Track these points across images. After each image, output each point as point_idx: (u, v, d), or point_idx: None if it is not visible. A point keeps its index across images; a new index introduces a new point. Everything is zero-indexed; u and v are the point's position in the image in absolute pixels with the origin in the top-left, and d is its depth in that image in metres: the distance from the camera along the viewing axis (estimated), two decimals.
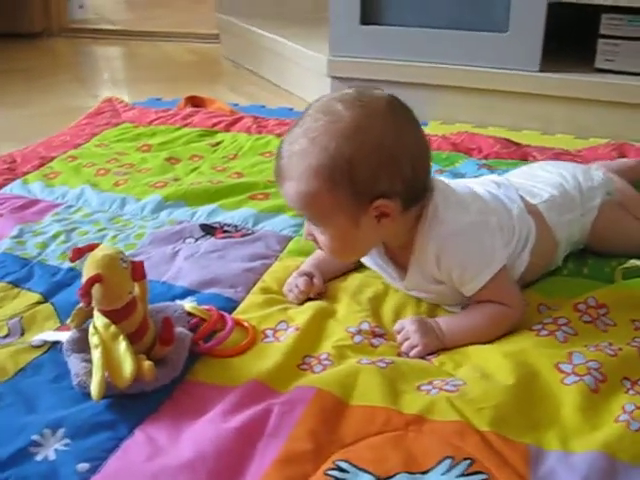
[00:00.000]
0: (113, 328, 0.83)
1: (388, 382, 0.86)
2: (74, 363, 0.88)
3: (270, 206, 1.35)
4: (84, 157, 1.63)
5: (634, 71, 1.92)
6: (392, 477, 0.71)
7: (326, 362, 0.91)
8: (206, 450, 0.73)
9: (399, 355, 0.95)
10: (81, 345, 0.91)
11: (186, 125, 1.84)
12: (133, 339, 0.85)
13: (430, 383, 0.87)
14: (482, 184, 1.13)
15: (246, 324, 0.99)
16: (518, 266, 1.04)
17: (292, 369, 0.90)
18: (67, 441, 0.79)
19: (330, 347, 0.94)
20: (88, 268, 0.82)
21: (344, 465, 0.73)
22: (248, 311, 1.03)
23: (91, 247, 0.84)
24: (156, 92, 2.28)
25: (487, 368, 0.89)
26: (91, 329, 0.85)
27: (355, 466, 0.73)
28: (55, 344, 0.95)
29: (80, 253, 0.84)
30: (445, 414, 0.80)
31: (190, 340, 0.92)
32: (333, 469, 0.72)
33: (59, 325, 1.01)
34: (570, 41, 2.03)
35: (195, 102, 2.06)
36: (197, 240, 1.23)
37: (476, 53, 1.96)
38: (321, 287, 1.07)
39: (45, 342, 0.96)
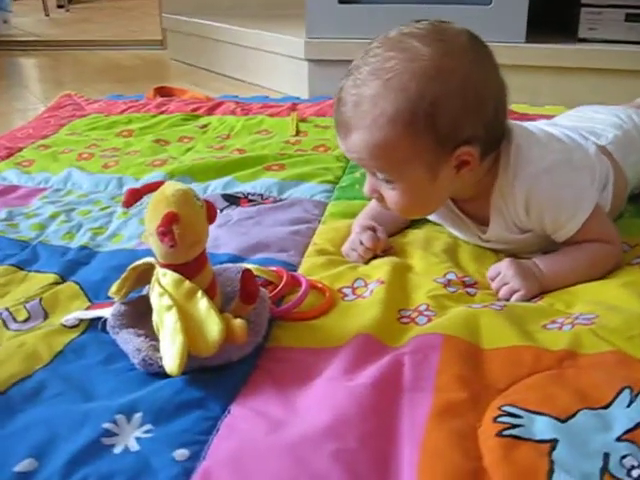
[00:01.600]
0: (187, 284, 0.68)
1: (512, 323, 0.73)
2: (128, 339, 0.72)
3: (291, 175, 1.21)
4: (58, 145, 1.45)
5: (616, 39, 1.90)
6: (573, 416, 0.59)
7: (428, 312, 0.78)
8: (346, 412, 0.59)
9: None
10: (131, 319, 0.75)
11: (162, 113, 1.67)
12: (209, 294, 0.69)
13: (554, 322, 0.75)
14: (547, 126, 1.03)
15: (320, 284, 0.84)
16: (603, 207, 0.93)
17: (393, 323, 0.77)
18: (149, 427, 0.62)
19: (426, 298, 0.81)
20: (158, 206, 0.66)
21: (513, 410, 0.59)
22: (312, 273, 0.88)
23: (152, 187, 0.68)
24: (111, 92, 2.10)
25: (609, 301, 0.78)
26: (157, 289, 0.69)
27: (525, 409, 0.59)
28: (93, 322, 0.78)
29: (138, 194, 0.68)
30: (597, 346, 0.69)
31: (268, 299, 0.76)
32: (502, 415, 0.59)
33: (89, 304, 0.84)
34: (554, 11, 1.98)
35: (164, 93, 1.90)
36: (222, 210, 1.08)
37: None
38: (387, 242, 0.94)
39: (81, 321, 0.78)
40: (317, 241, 0.98)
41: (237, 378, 0.69)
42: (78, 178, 1.24)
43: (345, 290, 0.84)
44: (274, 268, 0.85)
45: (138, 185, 0.79)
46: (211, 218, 0.69)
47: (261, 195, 1.13)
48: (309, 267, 0.90)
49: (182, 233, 0.65)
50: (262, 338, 0.73)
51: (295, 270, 0.90)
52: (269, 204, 1.09)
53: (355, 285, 0.85)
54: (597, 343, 0.69)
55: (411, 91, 0.76)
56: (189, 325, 0.66)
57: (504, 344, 0.69)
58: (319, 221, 1.05)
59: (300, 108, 1.68)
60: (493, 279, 0.86)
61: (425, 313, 0.78)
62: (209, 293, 0.70)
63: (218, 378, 0.68)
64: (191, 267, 0.69)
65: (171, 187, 0.67)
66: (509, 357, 0.67)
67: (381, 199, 0.85)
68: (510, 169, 0.85)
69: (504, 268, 0.85)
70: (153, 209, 0.66)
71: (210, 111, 1.68)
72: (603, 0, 1.88)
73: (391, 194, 0.83)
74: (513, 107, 1.77)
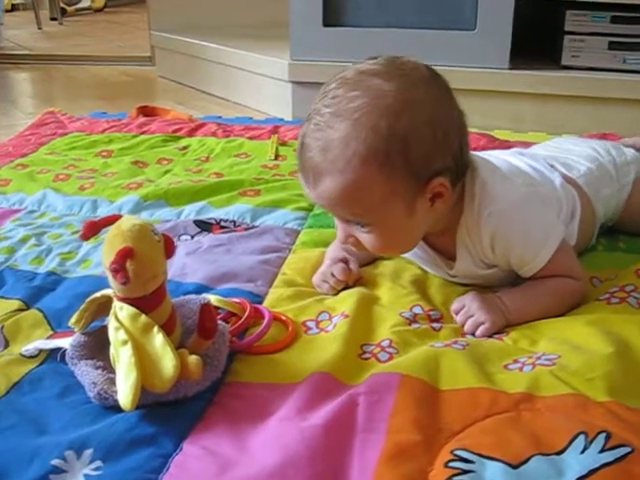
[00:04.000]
0: (144, 318, 0.67)
1: (473, 363, 0.73)
2: (86, 371, 0.71)
3: (266, 201, 1.21)
4: (36, 164, 1.44)
5: (599, 67, 1.91)
6: (526, 461, 0.58)
7: (391, 349, 0.77)
8: (295, 453, 0.58)
9: (461, 336, 0.82)
10: (90, 350, 0.74)
11: (143, 133, 1.67)
12: (166, 330, 0.69)
13: (517, 361, 0.75)
14: (512, 156, 1.03)
15: (284, 317, 0.84)
16: (568, 241, 0.94)
17: (354, 359, 0.76)
18: (99, 464, 0.61)
19: (389, 333, 0.80)
20: (113, 241, 0.65)
21: (465, 454, 0.59)
22: (277, 305, 0.88)
23: (109, 220, 0.68)
24: (96, 109, 2.10)
25: (573, 339, 0.78)
26: (113, 323, 0.68)
27: (478, 454, 0.59)
28: (53, 353, 0.77)
29: (96, 228, 0.67)
30: (555, 388, 0.68)
31: (228, 334, 0.76)
32: (454, 460, 0.58)
33: (51, 333, 0.83)
34: (538, 38, 2.00)
35: (147, 112, 1.90)
36: (194, 236, 1.08)
37: (444, 52, 1.88)
38: (359, 273, 0.93)
39: (40, 351, 0.78)
40: (286, 271, 0.97)
41: (192, 414, 0.68)
42: (53, 200, 1.24)
43: (309, 323, 0.84)
44: (238, 300, 0.85)
45: (110, 210, 0.78)
46: (169, 253, 0.69)
47: (234, 222, 1.13)
48: (275, 298, 0.90)
49: (137, 269, 0.65)
50: (220, 373, 0.72)
51: (261, 301, 0.89)
52: (241, 231, 1.09)
53: (319, 318, 0.84)
54: (556, 385, 0.69)
55: (382, 129, 0.75)
56: (144, 360, 0.66)
57: (462, 385, 0.69)
58: (290, 250, 1.04)
59: (282, 131, 1.69)
60: (457, 312, 0.85)
61: (387, 349, 0.77)
62: (167, 327, 0.70)
63: (173, 414, 0.68)
64: (148, 301, 0.68)
65: (128, 222, 0.66)
66: (466, 399, 0.67)
67: (357, 243, 0.83)
68: (475, 206, 0.85)
69: (468, 301, 0.85)
70: (108, 244, 0.66)
71: (191, 132, 1.67)
72: (586, 28, 1.90)
73: (368, 237, 0.81)
74: (495, 133, 1.79)
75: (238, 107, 2.22)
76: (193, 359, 0.66)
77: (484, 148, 1.56)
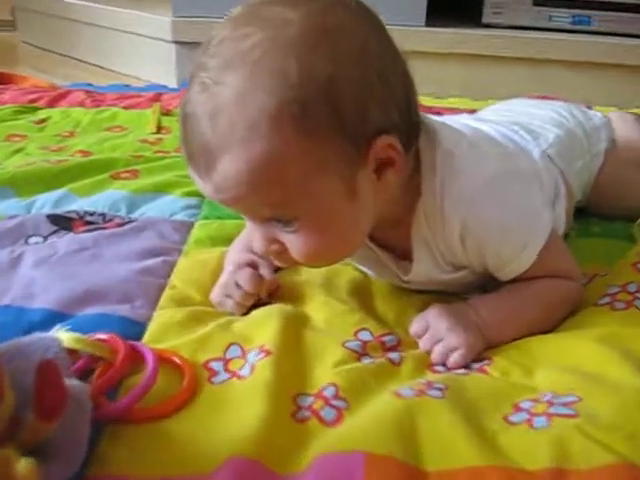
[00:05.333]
0: None
1: (463, 421, 0.49)
2: None
3: (146, 185, 0.93)
4: None
5: (523, 25, 1.73)
6: None
7: (338, 402, 0.53)
8: None
9: (430, 369, 0.59)
10: None
11: None
12: None
13: (519, 409, 0.52)
14: (470, 120, 0.81)
15: (176, 358, 0.57)
16: (556, 230, 0.71)
17: (286, 425, 0.51)
18: None
19: (333, 374, 0.55)
20: None
21: None
22: (166, 337, 0.61)
23: None
24: None
25: (583, 366, 0.56)
26: None
27: None
28: None
29: None
30: (591, 456, 0.46)
31: (89, 400, 0.48)
32: None
33: None
34: None
35: (2, 80, 1.55)
36: (47, 238, 0.78)
37: None
38: (274, 282, 0.68)
39: None
40: (176, 283, 0.70)
41: None
42: None
43: (214, 365, 0.57)
44: (105, 336, 0.57)
45: None
46: None
47: (103, 215, 0.84)
48: (162, 326, 0.63)
49: None
50: (77, 467, 0.45)
51: (142, 332, 0.62)
52: (112, 228, 0.80)
53: (228, 355, 0.58)
54: (591, 450, 0.46)
55: (292, 71, 0.51)
56: None
57: (457, 464, 0.45)
58: (180, 252, 0.77)
59: (165, 99, 1.40)
60: (420, 336, 0.62)
61: (333, 402, 0.53)
62: None
63: None
64: None
65: None
66: None
67: (283, 251, 0.58)
68: (437, 184, 0.61)
69: (433, 318, 0.62)
70: None
71: (53, 102, 1.36)
72: None
73: (296, 240, 0.56)
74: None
75: (113, 74, 1.90)
76: (23, 469, 0.38)
77: None
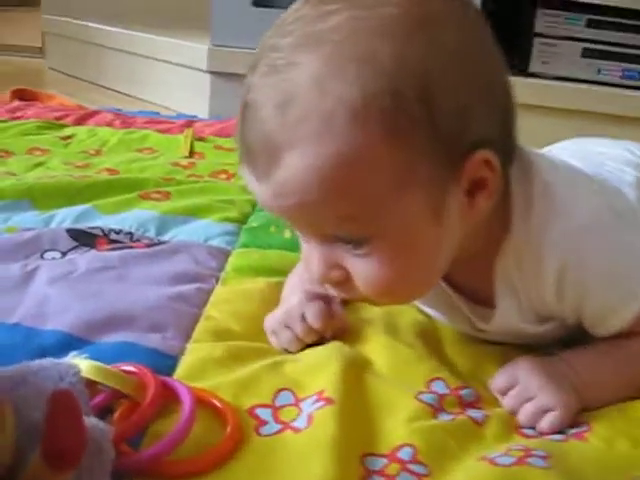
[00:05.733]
0: None
1: None
2: None
3: (178, 207, 0.84)
4: None
5: (570, 76, 1.66)
6: None
7: (417, 467, 0.42)
8: None
9: (518, 432, 0.48)
10: None
11: (16, 119, 1.26)
12: None
13: None
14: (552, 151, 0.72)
15: (216, 401, 0.47)
16: None
17: None
18: None
19: (408, 433, 0.45)
20: None
21: None
22: (202, 375, 0.51)
23: None
24: None
25: None
26: None
27: None
28: None
29: None
30: None
31: (111, 446, 0.38)
32: None
33: None
34: (503, 40, 1.72)
35: (25, 97, 1.49)
36: (66, 254, 0.69)
37: None
38: (344, 321, 0.58)
39: None
40: (213, 314, 0.60)
41: None
42: None
43: (260, 412, 0.47)
44: (132, 368, 0.47)
45: None
46: None
47: (130, 234, 0.75)
48: (198, 362, 0.53)
49: None
50: None
51: (174, 367, 0.52)
52: (141, 249, 0.71)
53: (278, 403, 0.48)
54: None
55: (384, 57, 0.42)
56: None
57: None
58: (217, 279, 0.67)
59: (198, 127, 1.32)
60: (504, 392, 0.51)
61: (411, 467, 0.42)
62: None
63: None
64: None
65: None
66: None
67: (345, 280, 0.48)
68: (534, 222, 0.51)
69: (523, 374, 0.52)
70: None
71: (80, 120, 1.28)
72: (558, 31, 1.64)
73: (366, 266, 0.46)
74: None
75: (141, 103, 1.83)
76: None
77: None
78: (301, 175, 0.43)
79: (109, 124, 1.27)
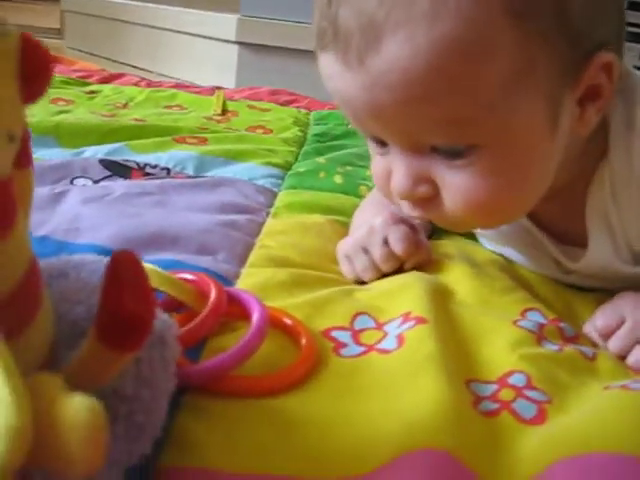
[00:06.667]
0: None
1: None
2: None
3: (218, 150, 0.77)
4: None
5: None
6: None
7: (534, 393, 0.35)
8: None
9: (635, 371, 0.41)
10: None
11: None
12: (5, 320, 0.23)
13: None
14: None
15: (288, 319, 0.39)
16: None
17: (472, 415, 0.33)
18: None
19: (515, 358, 0.38)
20: None
21: None
22: (266, 296, 0.43)
23: None
24: None
25: None
26: None
27: None
28: None
29: None
30: None
31: (176, 342, 0.31)
32: None
33: None
34: None
35: None
36: (99, 182, 0.62)
37: None
38: (430, 251, 0.51)
39: None
40: (268, 242, 0.53)
41: None
42: None
43: (338, 335, 0.39)
44: (191, 276, 0.40)
45: None
46: (33, 76, 0.24)
47: (167, 169, 0.68)
48: (260, 283, 0.45)
49: None
50: (151, 446, 0.28)
51: (229, 286, 0.45)
52: (181, 179, 0.64)
53: (357, 326, 0.40)
54: None
55: None
56: None
57: None
58: (267, 213, 0.60)
59: (227, 92, 1.25)
60: (608, 333, 0.44)
61: (527, 394, 0.35)
62: (11, 314, 0.25)
63: None
64: None
65: None
66: None
67: (433, 196, 0.41)
68: (636, 146, 0.44)
69: (629, 309, 0.44)
70: None
71: (105, 80, 1.21)
72: None
73: (466, 178, 0.39)
74: None
75: (164, 79, 1.77)
76: (78, 411, 0.21)
77: None
78: (406, 62, 0.36)
79: (136, 84, 1.20)
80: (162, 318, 0.30)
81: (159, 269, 0.37)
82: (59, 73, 1.20)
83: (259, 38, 1.53)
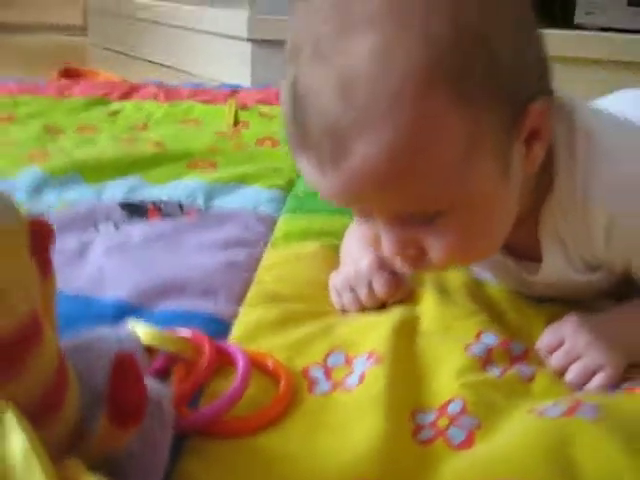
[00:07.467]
0: None
1: (626, 448, 0.39)
2: None
3: (224, 176, 0.85)
4: None
5: (616, 27, 1.61)
6: None
7: (467, 420, 0.43)
8: None
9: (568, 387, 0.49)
10: None
11: (64, 97, 1.29)
12: (38, 419, 0.32)
13: None
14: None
15: (270, 362, 0.48)
16: None
17: (409, 445, 0.41)
18: None
19: (456, 386, 0.46)
20: None
21: None
22: (255, 337, 0.52)
23: None
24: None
25: None
26: None
27: None
28: None
29: None
30: None
31: (171, 406, 0.40)
32: None
33: None
34: None
35: (71, 75, 1.52)
36: (119, 226, 0.71)
37: None
38: (410, 291, 0.59)
39: None
40: (264, 277, 0.62)
41: None
42: None
43: (313, 372, 0.48)
44: (187, 332, 0.49)
45: None
46: (38, 247, 0.32)
47: (180, 205, 0.77)
48: (251, 325, 0.54)
49: None
50: None
51: (226, 329, 0.54)
52: (192, 218, 0.72)
53: (330, 363, 0.49)
54: None
55: (442, 25, 0.41)
56: None
57: None
58: (265, 244, 0.69)
59: (241, 95, 1.33)
60: (552, 351, 0.51)
61: (461, 420, 0.43)
62: (45, 409, 0.34)
63: None
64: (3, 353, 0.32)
65: None
66: None
67: (421, 254, 0.48)
68: (578, 173, 0.50)
69: (569, 332, 0.52)
70: None
71: (125, 96, 1.30)
72: None
73: (441, 238, 0.46)
74: None
75: (184, 75, 1.85)
76: None
77: None
78: (375, 161, 0.41)
79: (154, 96, 1.29)
80: (159, 389, 0.39)
81: (162, 331, 0.46)
82: (83, 93, 1.29)
83: (271, 34, 1.59)
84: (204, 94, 1.34)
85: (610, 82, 1.55)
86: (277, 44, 1.58)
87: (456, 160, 0.43)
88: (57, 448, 0.33)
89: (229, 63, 1.72)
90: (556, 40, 1.58)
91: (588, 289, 0.57)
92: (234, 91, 1.37)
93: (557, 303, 0.58)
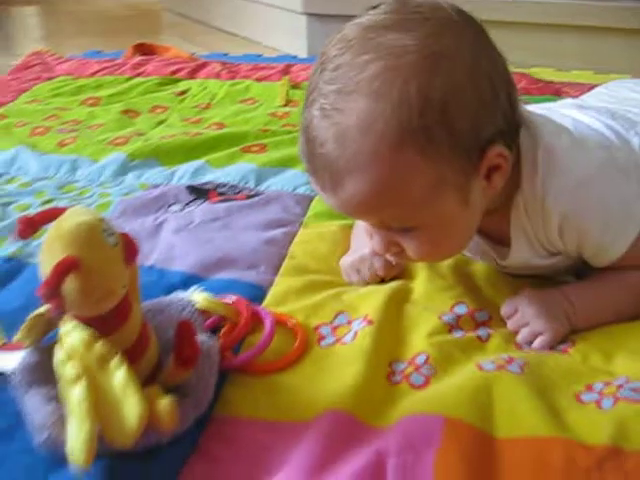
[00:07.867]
0: (99, 347, 0.50)
1: (537, 395, 0.55)
2: (35, 406, 0.54)
3: (272, 159, 1.02)
4: (14, 115, 1.26)
5: None
6: None
7: (427, 369, 0.60)
8: None
9: (516, 346, 0.65)
10: (44, 372, 0.57)
11: (138, 75, 1.48)
12: (131, 359, 0.51)
13: (591, 389, 0.57)
14: (573, 109, 0.83)
15: (291, 322, 0.66)
16: None
17: (380, 385, 0.59)
18: None
19: (425, 344, 0.63)
20: (52, 248, 0.48)
21: None
22: (284, 301, 0.70)
23: (52, 213, 0.50)
24: (91, 47, 1.89)
25: None
26: (60, 354, 0.51)
27: None
28: None
29: (34, 224, 0.50)
30: None
31: (217, 353, 0.59)
32: None
33: (4, 341, 0.66)
34: None
35: (145, 50, 1.70)
36: (185, 207, 0.90)
37: None
38: (402, 269, 0.75)
39: None
40: (295, 253, 0.79)
41: (169, 466, 0.52)
42: (26, 160, 1.06)
43: (323, 329, 0.66)
44: (232, 299, 0.67)
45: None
46: (130, 258, 0.51)
47: (234, 187, 0.95)
48: (282, 291, 0.72)
49: (85, 286, 0.47)
50: (205, 409, 0.56)
51: (264, 294, 0.72)
52: (242, 200, 0.90)
53: (336, 322, 0.67)
54: None
55: (412, 97, 0.55)
56: (101, 405, 0.49)
57: (525, 432, 0.52)
58: (300, 223, 0.86)
59: (294, 71, 1.48)
60: (509, 317, 0.68)
61: (423, 370, 0.60)
62: (137, 350, 0.53)
63: (144, 466, 0.52)
64: (105, 322, 0.51)
65: (72, 219, 0.48)
66: (532, 457, 0.49)
67: (400, 251, 0.64)
68: (538, 180, 0.65)
69: (523, 305, 0.67)
70: (47, 250, 0.48)
71: (192, 74, 1.48)
72: None
73: (414, 244, 0.62)
74: (537, 72, 1.56)
75: (247, 43, 2.01)
76: (165, 405, 0.49)
77: (526, 91, 1.35)
78: (360, 194, 0.58)
79: (217, 75, 1.46)
80: (209, 341, 0.58)
81: (213, 297, 0.65)
82: (156, 73, 1.47)
83: (324, 8, 1.73)
84: (261, 70, 1.50)
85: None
86: (331, 18, 1.72)
87: (424, 195, 0.58)
88: (144, 378, 0.53)
89: (287, 34, 1.87)
90: (585, 9, 1.65)
91: (551, 269, 0.73)
92: (288, 66, 1.52)
93: (527, 279, 0.74)
